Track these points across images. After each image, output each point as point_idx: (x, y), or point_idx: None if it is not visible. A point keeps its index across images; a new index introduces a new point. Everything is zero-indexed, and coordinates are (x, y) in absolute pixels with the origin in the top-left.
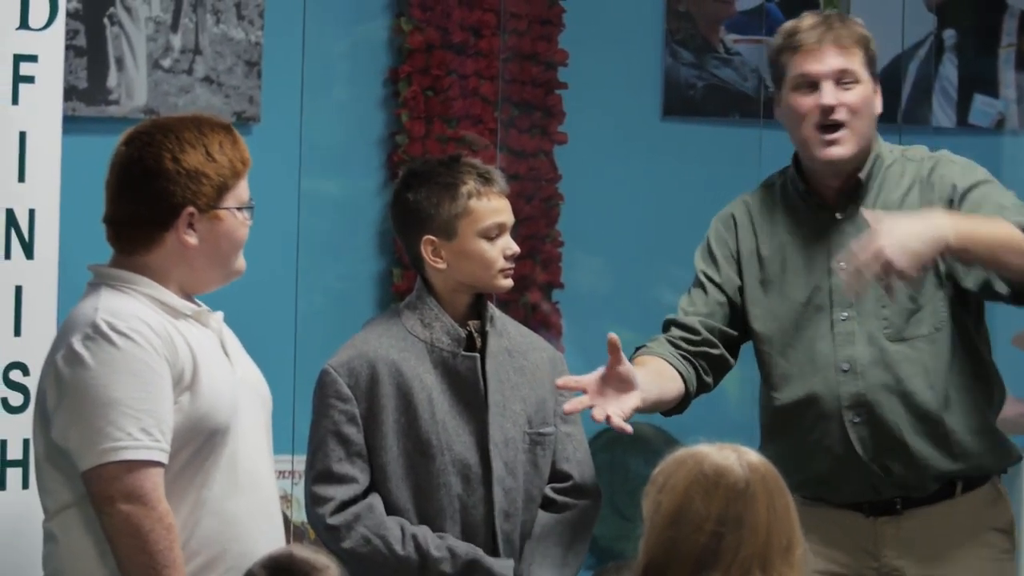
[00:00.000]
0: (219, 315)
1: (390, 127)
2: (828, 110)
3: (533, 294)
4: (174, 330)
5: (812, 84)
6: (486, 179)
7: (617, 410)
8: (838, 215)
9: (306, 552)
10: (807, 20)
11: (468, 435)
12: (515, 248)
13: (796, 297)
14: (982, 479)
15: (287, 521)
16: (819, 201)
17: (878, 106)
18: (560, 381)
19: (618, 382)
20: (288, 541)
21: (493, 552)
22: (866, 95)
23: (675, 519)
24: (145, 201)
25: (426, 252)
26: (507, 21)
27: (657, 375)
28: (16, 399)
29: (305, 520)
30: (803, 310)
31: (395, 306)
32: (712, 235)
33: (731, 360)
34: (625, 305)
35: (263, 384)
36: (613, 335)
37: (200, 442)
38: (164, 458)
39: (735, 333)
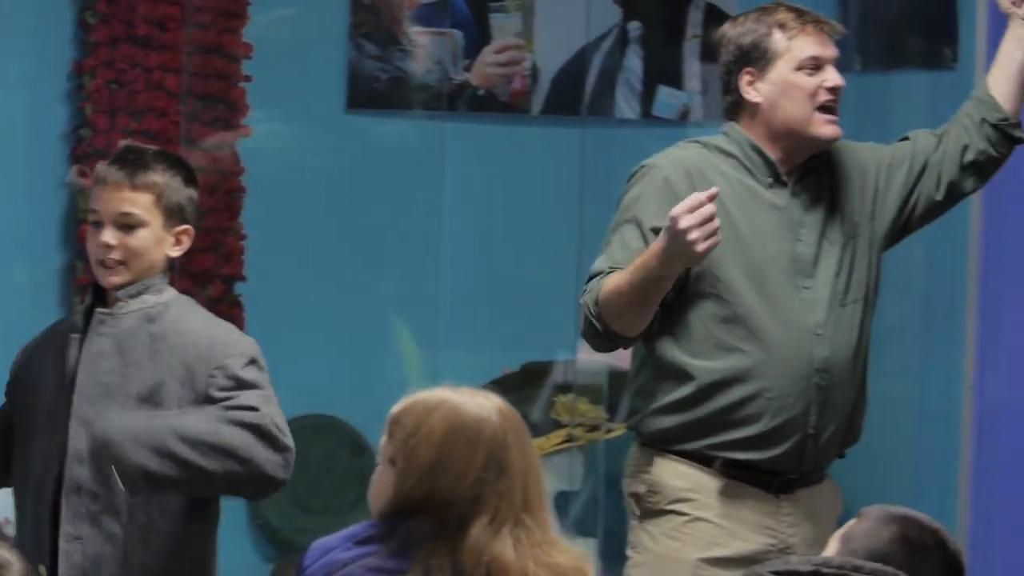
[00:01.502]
0: None
1: (74, 121)
2: (837, 90)
3: (215, 287)
4: None
5: (818, 66)
6: (114, 170)
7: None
8: (793, 188)
9: None
10: (789, 10)
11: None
12: (133, 243)
13: (761, 260)
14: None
15: None
16: (775, 173)
17: None
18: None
19: None
20: None
21: None
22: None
23: (434, 467)
24: None
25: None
26: (192, 14)
27: None
28: None
29: None
30: (771, 274)
31: None
32: (668, 188)
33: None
34: (308, 299)
35: None
36: None
37: None
38: None
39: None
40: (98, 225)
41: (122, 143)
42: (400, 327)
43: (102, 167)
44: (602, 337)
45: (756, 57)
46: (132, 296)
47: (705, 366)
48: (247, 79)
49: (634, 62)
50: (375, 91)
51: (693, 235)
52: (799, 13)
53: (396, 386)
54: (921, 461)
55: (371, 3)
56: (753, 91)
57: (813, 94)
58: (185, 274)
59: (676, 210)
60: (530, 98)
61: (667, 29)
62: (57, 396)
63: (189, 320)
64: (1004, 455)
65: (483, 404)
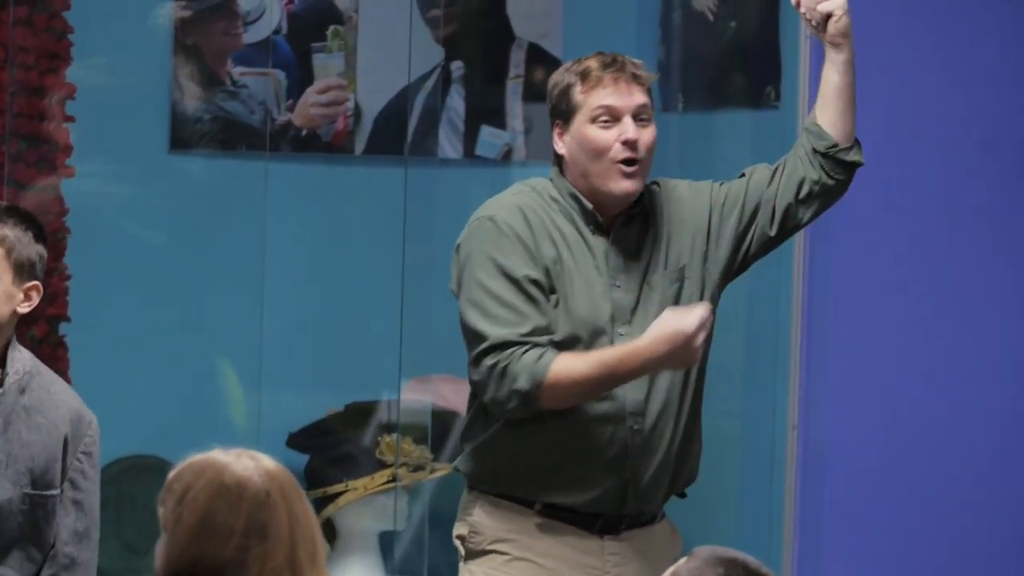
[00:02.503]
0: None
1: None
2: (632, 144)
3: (40, 328)
4: None
5: (615, 118)
6: None
7: None
8: (613, 237)
9: None
10: (598, 59)
11: None
12: None
13: (581, 312)
14: (663, 514)
15: None
16: (596, 222)
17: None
18: None
19: None
20: None
21: None
22: (655, 134)
23: (199, 532)
24: None
25: None
26: (15, 55)
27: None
28: None
29: None
30: (593, 320)
31: None
32: (513, 234)
33: None
34: (133, 339)
35: None
36: None
37: None
38: None
39: None
40: None
41: None
42: (224, 367)
43: None
44: (525, 410)
45: (562, 109)
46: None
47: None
48: (70, 119)
49: (456, 102)
50: (198, 131)
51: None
52: (604, 63)
53: (221, 427)
54: (746, 500)
55: (193, 44)
56: (561, 143)
57: (607, 148)
58: None
59: (689, 327)
60: (353, 138)
61: (489, 69)
62: None
63: (55, 390)
64: (828, 495)
65: (247, 465)
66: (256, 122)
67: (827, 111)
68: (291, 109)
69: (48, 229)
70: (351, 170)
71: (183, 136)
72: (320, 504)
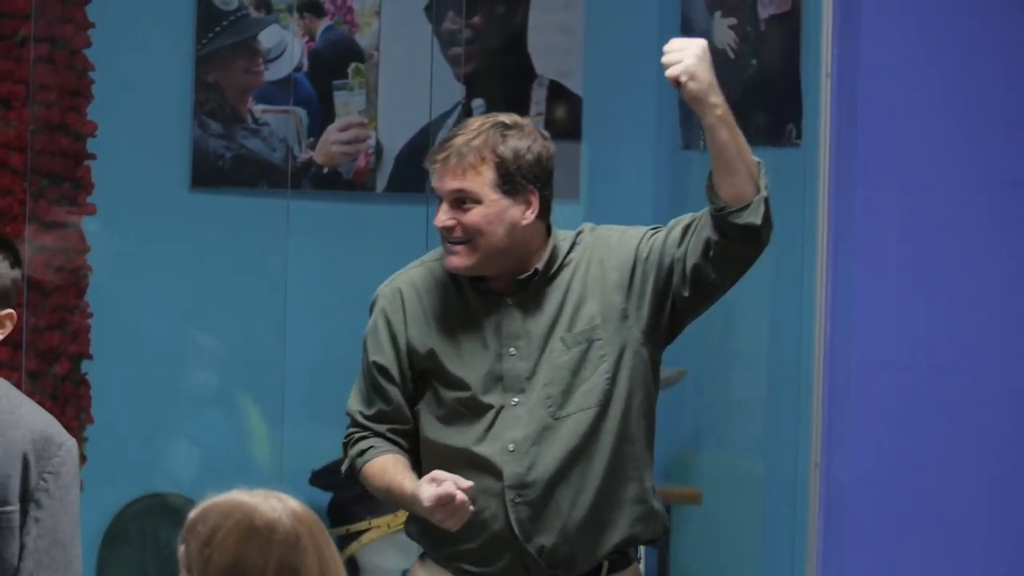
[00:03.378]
0: None
1: None
2: (445, 230)
3: (62, 365)
4: None
5: (440, 199)
6: None
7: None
8: (509, 301)
9: None
10: (450, 135)
11: None
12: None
13: (470, 376)
14: (626, 562)
15: None
16: (489, 288)
17: (527, 216)
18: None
19: None
20: None
21: None
22: (485, 214)
23: (230, 575)
24: None
25: None
26: (36, 92)
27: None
28: None
29: None
30: (478, 390)
31: None
32: (378, 318)
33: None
34: (154, 375)
35: None
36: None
37: None
38: None
39: (410, 427)
40: None
41: None
42: (247, 405)
43: None
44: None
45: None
46: None
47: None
48: (92, 157)
49: None
50: (219, 169)
51: (438, 518)
52: (441, 143)
53: (244, 464)
54: (769, 538)
55: (215, 81)
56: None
57: (438, 226)
58: (32, 352)
59: (428, 499)
60: (374, 176)
61: (510, 107)
62: None
63: (20, 412)
64: (851, 533)
65: (275, 507)
66: (278, 160)
67: (714, 173)
68: (312, 147)
69: (70, 266)
70: (372, 208)
71: (205, 174)
72: (343, 542)
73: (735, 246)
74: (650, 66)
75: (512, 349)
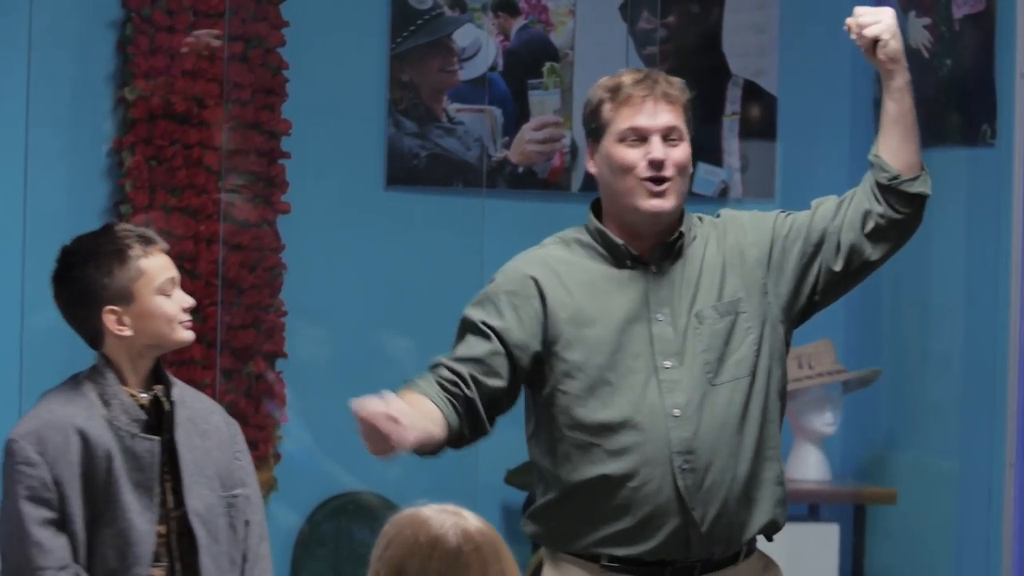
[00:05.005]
0: None
1: (114, 197)
2: (658, 164)
3: (257, 364)
4: None
5: (642, 137)
6: (146, 239)
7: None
8: (653, 268)
9: None
10: (630, 75)
11: (147, 509)
12: (190, 300)
13: (615, 343)
14: (752, 549)
15: None
16: (632, 255)
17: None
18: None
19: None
20: None
21: None
22: (688, 153)
23: None
24: None
25: (109, 323)
26: (230, 91)
27: (423, 415)
28: None
29: None
30: (624, 357)
31: (77, 376)
32: (502, 287)
33: (488, 426)
34: (349, 374)
35: None
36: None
37: None
38: None
39: (502, 389)
40: None
41: None
42: None
43: None
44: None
45: (592, 127)
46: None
47: (565, 469)
48: (286, 155)
49: None
50: (414, 168)
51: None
52: (636, 79)
53: (439, 464)
54: (964, 538)
55: (409, 80)
56: (592, 162)
57: (632, 166)
58: (227, 350)
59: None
60: (569, 175)
61: (706, 106)
62: None
63: (201, 397)
64: None
65: (445, 522)
66: (472, 159)
67: (887, 141)
68: (507, 146)
69: (264, 265)
70: (568, 207)
71: (400, 172)
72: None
73: (899, 218)
74: (844, 65)
75: (660, 315)
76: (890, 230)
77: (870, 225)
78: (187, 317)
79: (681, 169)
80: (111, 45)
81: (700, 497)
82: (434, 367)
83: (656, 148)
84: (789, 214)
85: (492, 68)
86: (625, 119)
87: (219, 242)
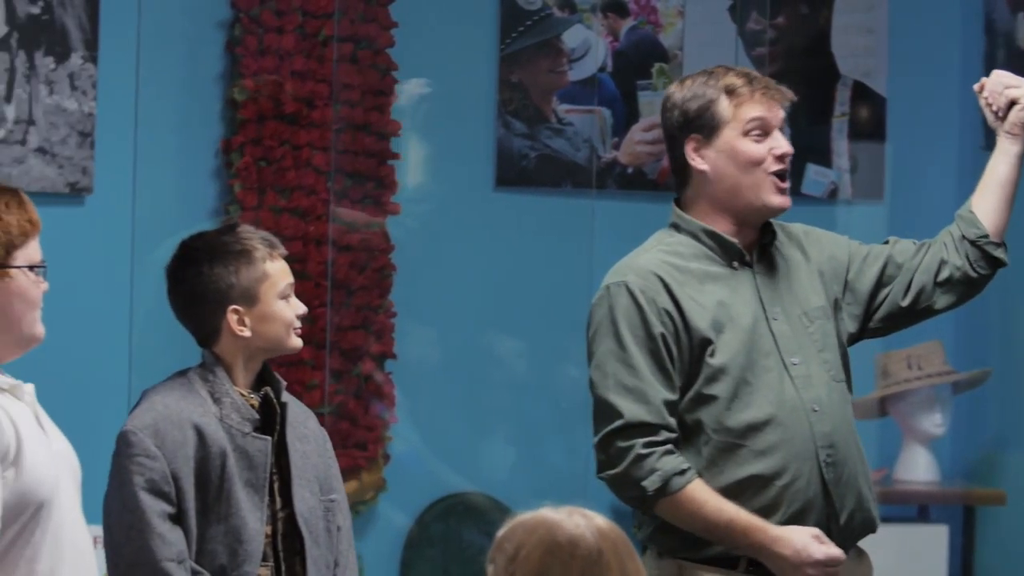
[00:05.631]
0: (31, 388)
1: (223, 198)
2: (784, 157)
3: (366, 365)
4: None
5: (766, 132)
6: (270, 243)
7: None
8: (757, 268)
9: None
10: (734, 73)
11: (257, 508)
12: (304, 308)
13: (746, 343)
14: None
15: None
16: (739, 256)
17: None
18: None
19: None
20: None
21: None
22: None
23: None
24: None
25: (231, 322)
26: (340, 92)
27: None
28: None
29: None
30: (757, 356)
31: (184, 372)
32: (645, 300)
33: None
34: (458, 375)
35: (74, 456)
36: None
37: (27, 517)
38: None
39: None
40: None
41: None
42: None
43: None
44: (636, 504)
45: (701, 123)
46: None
47: (710, 473)
48: (396, 156)
49: None
50: (523, 169)
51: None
52: (748, 78)
53: (548, 465)
54: None
55: (519, 81)
56: (699, 158)
57: (761, 160)
58: (336, 351)
59: (815, 554)
60: None
61: (815, 107)
62: None
63: (295, 401)
64: None
65: (578, 523)
66: (582, 159)
67: (986, 201)
68: (616, 147)
69: (373, 266)
70: None
71: (509, 173)
72: None
73: (974, 276)
74: (953, 66)
75: (775, 314)
76: (961, 284)
77: (944, 274)
78: (299, 324)
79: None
80: (220, 46)
81: (840, 490)
82: (667, 439)
83: (781, 141)
84: (859, 243)
85: (601, 69)
86: (749, 112)
87: (328, 243)
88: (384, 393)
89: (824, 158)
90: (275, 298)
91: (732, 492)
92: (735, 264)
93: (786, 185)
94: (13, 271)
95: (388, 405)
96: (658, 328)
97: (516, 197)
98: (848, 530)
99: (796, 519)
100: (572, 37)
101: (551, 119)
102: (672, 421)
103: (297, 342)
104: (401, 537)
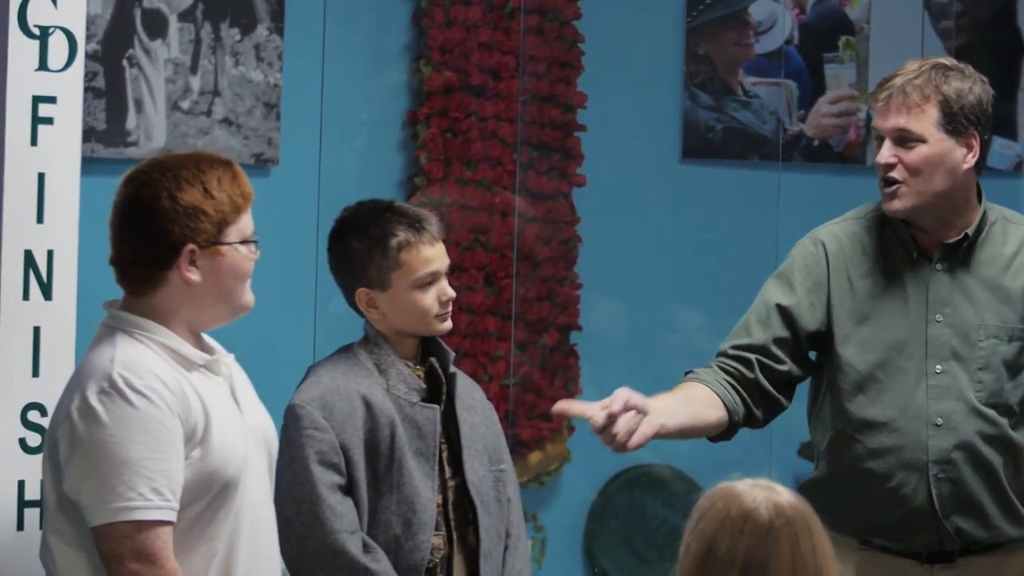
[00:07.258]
0: (230, 358)
1: (409, 169)
2: (880, 167)
3: (551, 336)
4: (187, 384)
5: (879, 138)
6: (417, 228)
7: (630, 436)
8: (938, 266)
9: None
10: (900, 70)
11: (428, 477)
12: (451, 293)
13: (890, 340)
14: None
15: None
16: (919, 248)
17: (968, 160)
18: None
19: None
20: None
21: None
22: (926, 155)
23: (702, 563)
24: (146, 241)
25: (360, 303)
26: (526, 63)
27: (690, 401)
28: (34, 440)
29: None
30: (896, 356)
31: (348, 346)
32: (796, 264)
33: (784, 402)
34: (642, 347)
35: (271, 428)
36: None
37: (211, 496)
38: (173, 516)
39: (793, 371)
40: None
41: None
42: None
43: None
44: None
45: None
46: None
47: (832, 454)
48: (582, 128)
49: None
50: (710, 141)
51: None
52: (880, 82)
53: (734, 441)
54: None
55: (705, 53)
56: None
57: (878, 166)
58: (521, 323)
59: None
60: (864, 148)
61: (1001, 80)
62: None
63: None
64: None
65: (756, 496)
66: (768, 132)
67: None
68: (803, 119)
69: (559, 238)
70: (863, 180)
71: (695, 145)
72: None
73: None
74: None
75: (939, 316)
76: None
77: None
78: (444, 310)
79: (914, 171)
80: (406, 18)
81: (955, 507)
82: (719, 355)
83: (883, 151)
84: None
85: (788, 41)
86: (875, 120)
87: (514, 214)
88: (569, 365)
89: (1010, 131)
90: (408, 287)
91: (845, 479)
92: (914, 255)
93: (890, 190)
94: (225, 247)
95: (573, 377)
96: (793, 293)
97: (702, 169)
98: (970, 533)
99: (903, 522)
100: (759, 10)
101: (737, 91)
102: (743, 354)
103: (439, 327)
104: (585, 508)
